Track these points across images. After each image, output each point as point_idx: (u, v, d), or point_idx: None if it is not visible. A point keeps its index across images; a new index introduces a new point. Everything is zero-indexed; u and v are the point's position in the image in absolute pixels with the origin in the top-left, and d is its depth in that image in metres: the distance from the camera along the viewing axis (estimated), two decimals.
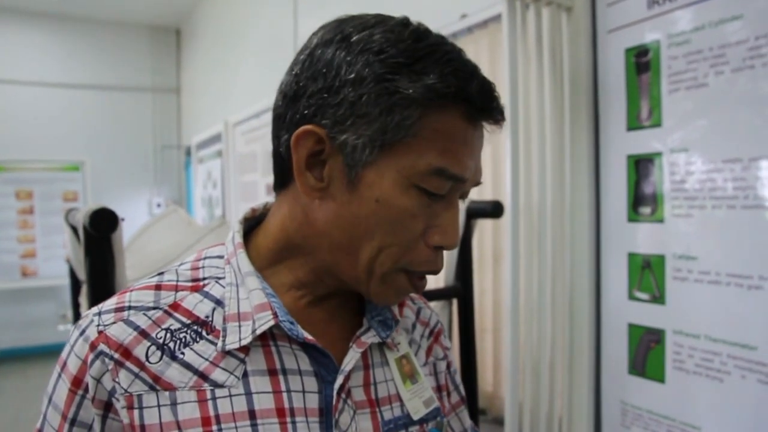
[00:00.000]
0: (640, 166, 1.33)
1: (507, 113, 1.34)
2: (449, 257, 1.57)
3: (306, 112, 0.53)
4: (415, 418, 0.61)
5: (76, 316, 2.09)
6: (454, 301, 1.59)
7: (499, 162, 1.82)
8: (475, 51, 1.88)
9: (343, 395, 0.56)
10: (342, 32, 0.53)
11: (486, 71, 1.78)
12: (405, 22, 0.54)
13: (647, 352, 1.31)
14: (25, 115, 5.14)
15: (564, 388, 1.45)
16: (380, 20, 0.54)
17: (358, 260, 0.54)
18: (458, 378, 0.74)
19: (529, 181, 1.39)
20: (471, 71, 0.52)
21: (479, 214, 1.53)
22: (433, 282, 2.10)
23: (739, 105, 1.14)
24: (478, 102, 0.52)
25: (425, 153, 0.51)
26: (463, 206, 1.52)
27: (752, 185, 1.12)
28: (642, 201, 1.32)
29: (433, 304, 1.49)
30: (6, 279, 5.04)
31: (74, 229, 1.89)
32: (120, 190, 5.44)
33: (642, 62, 1.32)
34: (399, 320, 0.64)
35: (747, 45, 1.13)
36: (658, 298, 1.29)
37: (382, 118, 0.50)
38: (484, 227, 1.84)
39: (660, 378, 1.28)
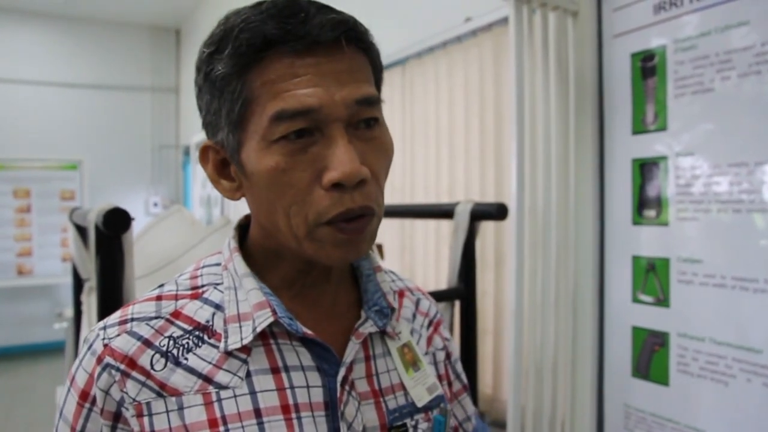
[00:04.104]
0: (645, 169, 1.34)
1: (513, 116, 1.36)
2: (452, 258, 1.57)
3: (205, 134, 0.59)
4: (420, 405, 0.62)
5: (77, 313, 2.09)
6: (457, 303, 1.59)
7: (503, 164, 1.83)
8: (479, 54, 1.89)
9: (347, 387, 0.57)
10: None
11: (490, 74, 1.77)
12: (229, 13, 0.56)
13: (651, 355, 1.32)
14: (24, 114, 5.14)
15: (567, 391, 1.45)
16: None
17: (284, 233, 0.55)
18: (459, 366, 0.75)
19: (534, 184, 1.40)
20: (264, 14, 0.51)
21: (483, 216, 1.53)
22: (434, 284, 2.11)
23: (745, 109, 1.15)
24: (283, 37, 0.51)
25: (263, 108, 0.52)
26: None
27: (758, 189, 1.13)
28: (647, 204, 1.33)
29: None
30: (2, 277, 5.02)
31: (78, 228, 1.89)
32: (117, 189, 5.43)
33: (648, 67, 1.33)
34: (395, 308, 0.64)
35: (753, 51, 1.14)
36: (663, 301, 1.29)
37: (222, 104, 0.53)
38: (485, 229, 1.85)
39: (664, 381, 1.29)
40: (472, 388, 1.51)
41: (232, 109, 0.53)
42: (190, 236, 2.27)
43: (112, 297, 1.23)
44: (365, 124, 0.54)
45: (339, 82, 0.52)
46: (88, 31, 5.39)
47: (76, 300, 2.05)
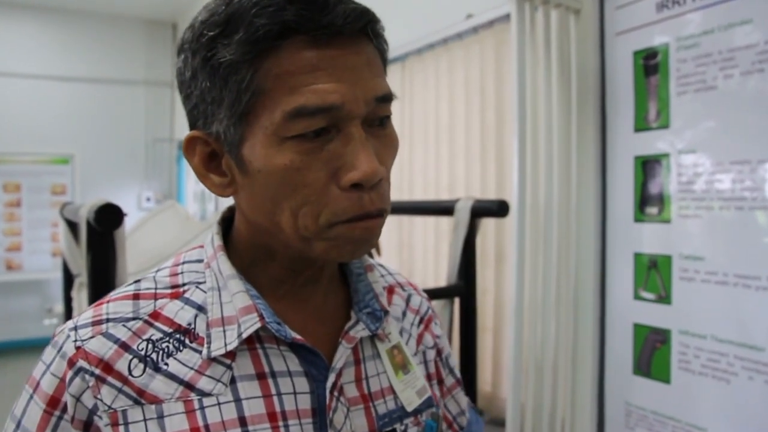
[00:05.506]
0: (647, 166, 1.34)
1: (514, 113, 1.35)
2: (452, 255, 1.57)
3: (189, 124, 0.55)
4: (409, 409, 0.60)
5: (68, 309, 2.06)
6: (456, 300, 1.58)
7: (504, 161, 1.83)
8: (480, 51, 1.88)
9: (336, 393, 0.55)
10: (180, 41, 0.53)
11: (491, 71, 1.77)
12: None
13: (652, 353, 1.32)
14: (15, 107, 5.06)
15: (567, 389, 1.45)
16: (204, 8, 0.52)
17: (287, 234, 0.52)
18: (453, 361, 0.73)
19: (535, 181, 1.39)
20: (282, 1, 0.47)
21: (484, 213, 1.53)
22: (433, 281, 2.10)
23: (747, 107, 1.15)
24: (303, 25, 0.47)
25: (277, 102, 0.48)
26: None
27: (760, 186, 1.13)
28: (649, 201, 1.33)
29: (434, 302, 1.49)
30: None
31: (69, 223, 1.87)
32: (109, 183, 5.37)
33: (650, 65, 1.33)
34: (388, 311, 0.62)
35: (756, 49, 1.14)
36: (665, 298, 1.29)
37: (225, 94, 0.49)
38: (486, 226, 1.84)
39: (665, 378, 1.29)
40: (472, 385, 1.50)
41: (238, 100, 0.48)
42: (184, 232, 2.25)
43: (103, 293, 1.20)
44: (379, 121, 0.52)
45: (359, 78, 0.49)
46: (83, 23, 5.32)
47: (67, 296, 2.03)
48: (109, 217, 1.20)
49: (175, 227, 2.36)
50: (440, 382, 0.70)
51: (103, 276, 1.22)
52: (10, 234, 5.02)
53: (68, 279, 2.01)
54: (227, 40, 0.48)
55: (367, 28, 0.51)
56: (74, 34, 5.33)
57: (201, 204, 4.73)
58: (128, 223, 2.13)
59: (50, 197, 5.09)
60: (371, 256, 2.05)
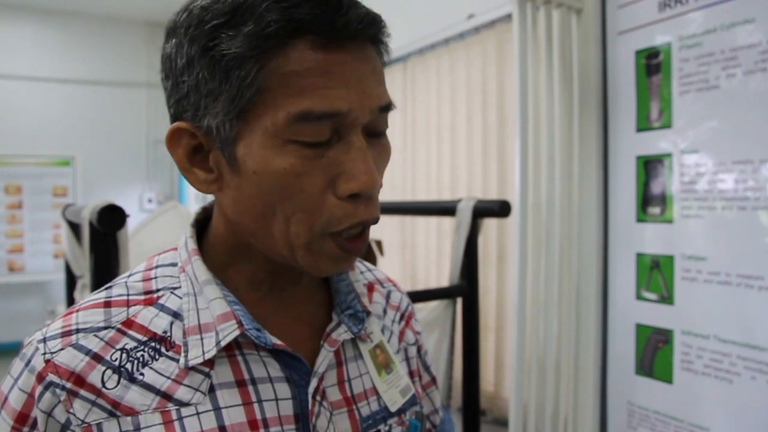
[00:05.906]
0: (650, 166, 1.33)
1: (516, 113, 1.35)
2: (454, 255, 1.56)
3: (172, 112, 0.52)
4: (393, 410, 0.59)
5: None
6: (458, 300, 1.58)
7: (506, 161, 1.83)
8: (482, 51, 1.88)
9: (318, 398, 0.54)
10: (172, 24, 0.51)
11: (493, 71, 1.77)
12: None
13: (655, 353, 1.32)
14: (16, 110, 5.08)
15: (570, 389, 1.45)
16: None
17: (274, 238, 0.50)
18: (429, 359, 0.72)
19: (537, 181, 1.39)
20: None
21: (486, 214, 1.52)
22: (436, 281, 2.10)
23: (750, 107, 1.15)
24: (317, 25, 0.45)
25: (282, 103, 0.46)
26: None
27: (763, 186, 1.13)
28: (651, 201, 1.33)
29: (436, 302, 1.49)
30: None
31: (71, 225, 1.87)
32: (111, 185, 5.38)
33: (652, 64, 1.33)
34: (371, 312, 0.61)
35: (759, 48, 1.14)
36: (667, 299, 1.29)
37: (224, 87, 0.46)
38: (488, 226, 1.84)
39: (668, 378, 1.29)
40: (475, 385, 1.50)
41: (239, 95, 0.46)
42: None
43: None
44: (378, 131, 0.51)
45: (366, 86, 0.48)
46: (82, 25, 5.34)
47: (69, 297, 2.03)
48: (111, 218, 1.20)
49: (178, 228, 2.36)
50: (420, 378, 0.69)
51: (106, 277, 1.22)
52: (11, 236, 5.03)
53: (71, 280, 2.01)
54: (233, 31, 0.45)
55: (378, 35, 0.50)
56: (75, 36, 5.34)
57: (203, 205, 4.72)
58: (130, 224, 2.12)
59: (52, 199, 5.10)
60: (374, 258, 2.05)
